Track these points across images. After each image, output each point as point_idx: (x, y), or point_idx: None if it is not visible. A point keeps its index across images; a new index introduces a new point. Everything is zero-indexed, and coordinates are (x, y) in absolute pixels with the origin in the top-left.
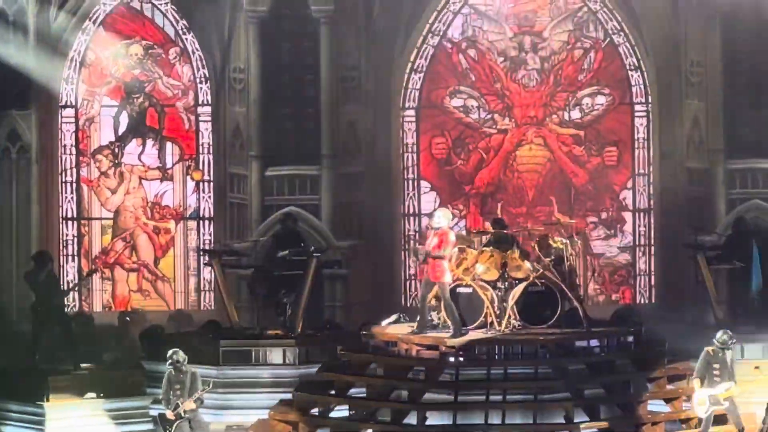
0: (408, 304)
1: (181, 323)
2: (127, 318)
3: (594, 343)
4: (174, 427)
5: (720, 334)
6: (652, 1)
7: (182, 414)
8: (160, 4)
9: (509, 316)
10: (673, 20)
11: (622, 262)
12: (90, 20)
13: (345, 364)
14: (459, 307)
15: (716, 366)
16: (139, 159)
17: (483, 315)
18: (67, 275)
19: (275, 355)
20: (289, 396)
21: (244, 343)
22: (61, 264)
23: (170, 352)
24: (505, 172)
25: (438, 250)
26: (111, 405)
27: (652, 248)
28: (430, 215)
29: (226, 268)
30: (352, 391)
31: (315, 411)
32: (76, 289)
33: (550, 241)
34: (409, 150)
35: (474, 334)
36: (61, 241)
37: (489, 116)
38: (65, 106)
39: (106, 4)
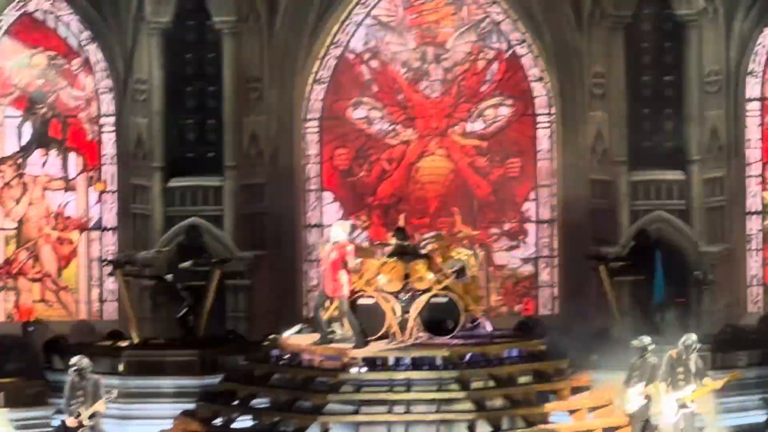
0: (311, 315)
1: (85, 333)
2: (31, 328)
3: (497, 354)
4: None
5: (684, 338)
6: (555, 13)
7: (83, 422)
8: (63, 15)
9: (412, 327)
10: (577, 31)
11: (524, 273)
12: None
13: (248, 374)
14: (361, 319)
15: (680, 370)
16: (43, 169)
17: (385, 326)
18: None
19: (178, 366)
20: (192, 406)
21: (147, 354)
22: None
23: (75, 358)
24: (407, 184)
25: (339, 264)
26: (14, 415)
27: (555, 259)
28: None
29: (129, 279)
30: (255, 401)
31: (218, 421)
32: None
33: (453, 253)
34: (312, 161)
35: (376, 345)
36: None
37: (391, 127)
38: None
39: (10, 14)
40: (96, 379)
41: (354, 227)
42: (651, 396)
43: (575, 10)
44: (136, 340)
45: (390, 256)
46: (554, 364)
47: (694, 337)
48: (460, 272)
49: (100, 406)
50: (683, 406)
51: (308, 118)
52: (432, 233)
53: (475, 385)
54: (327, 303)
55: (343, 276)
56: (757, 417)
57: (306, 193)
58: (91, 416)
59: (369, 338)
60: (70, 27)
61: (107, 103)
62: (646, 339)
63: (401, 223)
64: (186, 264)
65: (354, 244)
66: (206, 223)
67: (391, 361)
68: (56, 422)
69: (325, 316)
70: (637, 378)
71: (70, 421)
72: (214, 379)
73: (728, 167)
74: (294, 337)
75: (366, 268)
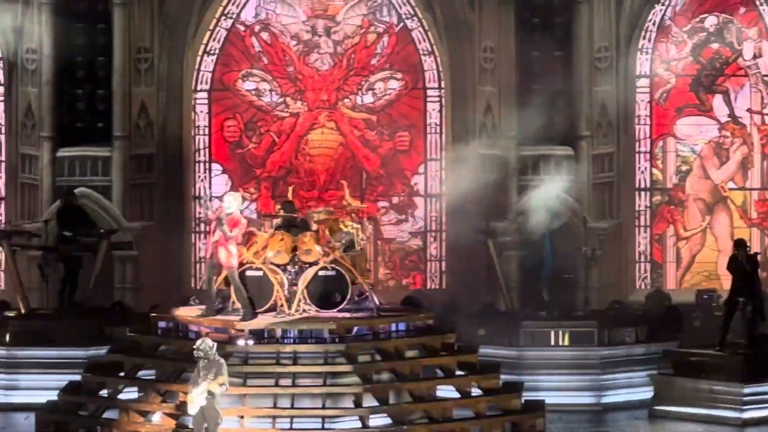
0: (198, 287)
1: None
2: None
3: (384, 328)
4: None
5: None
6: None
7: None
8: None
9: (299, 300)
10: (467, 5)
11: (413, 247)
12: None
13: (134, 346)
14: (249, 291)
15: None
16: None
17: (273, 299)
18: None
19: (66, 336)
20: (78, 377)
21: (35, 324)
22: None
23: None
24: (296, 156)
25: (229, 233)
26: None
27: (443, 234)
28: (220, 198)
29: (17, 249)
30: (142, 373)
31: (104, 393)
32: None
33: (341, 225)
34: (201, 132)
35: (264, 318)
36: None
37: (281, 99)
38: None
39: None
40: None
41: (243, 199)
42: None
43: None
44: (22, 311)
45: (278, 228)
46: (441, 339)
47: None
48: (349, 245)
49: None
50: None
51: (198, 89)
52: (321, 207)
53: (361, 358)
54: (217, 274)
55: (232, 248)
56: (644, 394)
57: (195, 165)
58: None
59: (256, 311)
60: None
61: None
62: (209, 342)
63: (290, 195)
64: (69, 233)
65: (245, 216)
66: (94, 193)
67: (278, 334)
68: None
69: (214, 287)
70: (205, 377)
71: None
72: (101, 350)
73: (617, 143)
74: (181, 309)
75: (253, 240)
